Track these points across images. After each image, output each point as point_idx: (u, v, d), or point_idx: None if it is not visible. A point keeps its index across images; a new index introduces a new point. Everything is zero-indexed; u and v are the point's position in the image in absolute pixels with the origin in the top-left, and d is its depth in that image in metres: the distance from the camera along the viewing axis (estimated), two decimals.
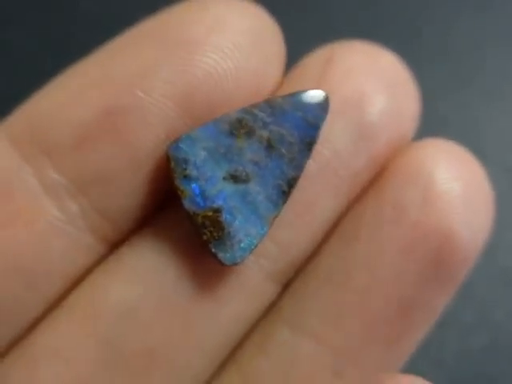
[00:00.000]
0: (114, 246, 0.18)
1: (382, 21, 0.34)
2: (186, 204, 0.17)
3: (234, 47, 0.17)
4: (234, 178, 0.17)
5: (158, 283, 0.18)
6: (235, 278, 0.18)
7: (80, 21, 0.33)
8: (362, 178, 0.19)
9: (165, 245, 0.18)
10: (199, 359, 0.18)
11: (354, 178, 0.19)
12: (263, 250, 0.18)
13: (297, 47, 0.20)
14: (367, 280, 0.18)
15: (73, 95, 0.17)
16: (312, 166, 0.18)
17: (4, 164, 0.17)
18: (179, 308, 0.18)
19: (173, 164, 0.17)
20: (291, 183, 0.18)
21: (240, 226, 0.17)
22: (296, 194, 0.18)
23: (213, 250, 0.17)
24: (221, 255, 0.17)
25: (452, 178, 0.18)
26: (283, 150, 0.18)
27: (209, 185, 0.17)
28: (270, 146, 0.18)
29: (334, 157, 0.18)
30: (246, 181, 0.17)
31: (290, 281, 0.19)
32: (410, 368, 0.20)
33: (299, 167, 0.18)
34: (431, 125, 0.21)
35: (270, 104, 0.18)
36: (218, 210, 0.17)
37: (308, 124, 0.18)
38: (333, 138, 0.18)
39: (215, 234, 0.17)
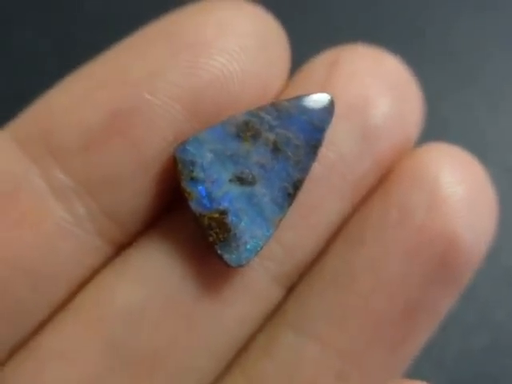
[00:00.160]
0: (121, 247, 0.18)
1: (383, 22, 0.34)
2: (193, 206, 0.17)
3: (240, 50, 0.18)
4: (241, 181, 0.17)
5: (163, 285, 0.18)
6: (240, 279, 0.18)
7: (81, 21, 0.33)
8: (367, 181, 0.19)
9: (171, 247, 0.18)
10: (204, 361, 0.18)
11: (358, 180, 0.19)
12: (268, 252, 0.18)
13: (300, 50, 0.20)
14: (372, 283, 0.18)
15: (80, 97, 0.17)
16: (317, 168, 0.18)
17: (12, 166, 0.17)
18: (185, 309, 0.18)
19: (180, 166, 0.17)
20: (297, 185, 0.18)
21: (246, 227, 0.17)
22: (301, 196, 0.18)
23: (219, 251, 0.17)
24: (226, 257, 0.17)
25: (456, 181, 0.18)
26: (289, 153, 0.18)
27: (215, 187, 0.17)
28: (276, 149, 0.18)
29: (339, 160, 0.18)
30: (252, 183, 0.17)
31: (295, 283, 0.19)
32: (411, 368, 0.20)
33: (305, 170, 0.18)
34: (431, 125, 0.21)
35: (276, 107, 0.18)
36: (224, 212, 0.17)
37: (313, 127, 0.18)
38: (338, 141, 0.18)
39: (221, 236, 0.17)
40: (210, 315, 0.18)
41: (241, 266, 0.17)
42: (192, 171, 0.17)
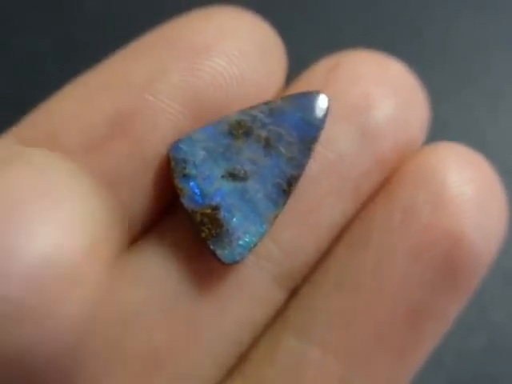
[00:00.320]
0: (124, 248, 0.18)
1: (382, 23, 0.34)
2: (185, 202, 0.17)
3: (239, 54, 0.18)
4: (233, 176, 0.17)
5: (161, 287, 0.18)
6: (239, 280, 0.18)
7: (81, 21, 0.33)
8: (369, 182, 0.19)
9: (169, 248, 0.18)
10: (204, 363, 0.18)
11: (359, 181, 0.18)
12: (266, 252, 0.18)
13: (300, 54, 0.20)
14: (376, 288, 0.18)
15: (83, 101, 0.18)
16: (315, 168, 0.18)
17: None
18: (183, 311, 0.18)
19: (173, 164, 0.17)
20: (291, 182, 0.18)
21: (238, 223, 0.17)
22: (299, 196, 0.18)
23: (211, 247, 0.17)
24: (219, 252, 0.17)
25: (464, 181, 0.18)
26: (281, 149, 0.18)
27: (207, 183, 0.17)
28: (268, 145, 0.18)
29: (338, 160, 0.18)
30: (244, 179, 0.17)
31: (298, 287, 0.19)
32: None
33: (299, 166, 0.18)
34: (432, 126, 0.21)
35: (269, 106, 0.18)
36: (216, 208, 0.17)
37: (307, 124, 0.18)
38: (337, 140, 0.18)
39: (213, 231, 0.17)
40: (209, 317, 0.18)
41: (235, 262, 0.17)
42: (184, 168, 0.17)
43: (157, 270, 0.18)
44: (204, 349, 0.18)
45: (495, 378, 0.30)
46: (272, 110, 0.18)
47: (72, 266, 0.16)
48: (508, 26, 0.35)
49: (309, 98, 0.18)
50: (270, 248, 0.18)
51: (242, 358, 0.19)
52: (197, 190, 0.17)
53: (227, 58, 0.18)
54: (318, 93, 0.18)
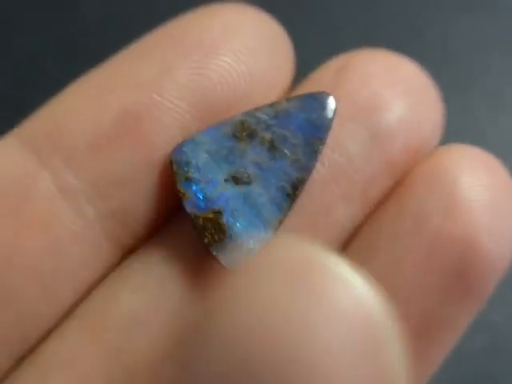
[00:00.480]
0: (129, 250, 0.18)
1: (382, 23, 0.34)
2: (188, 206, 0.17)
3: (247, 51, 0.18)
4: (236, 180, 0.17)
5: (164, 292, 0.17)
6: None
7: (81, 22, 0.33)
8: (379, 185, 0.18)
9: (174, 253, 0.18)
10: None
11: (368, 184, 0.18)
12: None
13: (303, 55, 0.20)
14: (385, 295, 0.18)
15: (89, 100, 0.17)
16: (322, 170, 0.18)
17: (20, 169, 0.17)
18: (188, 316, 0.18)
19: (175, 167, 0.17)
20: (296, 185, 0.17)
21: (242, 228, 0.17)
22: (305, 200, 0.18)
23: (214, 252, 0.17)
24: (222, 258, 0.17)
25: (477, 184, 0.17)
26: (286, 152, 0.17)
27: (210, 187, 0.17)
28: (272, 148, 0.17)
29: (347, 162, 0.18)
30: (247, 182, 0.17)
31: None
32: None
33: (305, 169, 0.17)
34: None
35: (273, 107, 0.18)
36: (218, 212, 0.17)
37: (313, 125, 0.17)
38: (345, 142, 0.18)
39: (216, 237, 0.17)
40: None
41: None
42: (187, 172, 0.17)
43: (160, 276, 0.17)
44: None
45: (496, 378, 0.29)
46: (277, 111, 0.17)
47: None
48: (508, 27, 0.35)
49: (315, 98, 0.18)
50: None
51: None
52: (199, 195, 0.17)
53: (234, 56, 0.17)
54: (324, 93, 0.18)
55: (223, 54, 0.17)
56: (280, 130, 0.17)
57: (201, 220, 0.17)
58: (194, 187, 0.17)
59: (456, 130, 0.21)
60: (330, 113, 0.18)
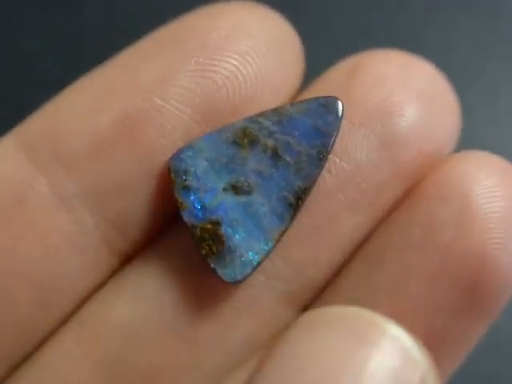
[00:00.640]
0: (126, 258, 0.18)
1: (382, 23, 0.34)
2: (185, 216, 0.16)
3: (253, 53, 0.17)
4: (235, 189, 0.16)
5: (159, 303, 0.17)
6: (243, 299, 0.17)
7: (82, 22, 0.33)
8: (388, 195, 0.17)
9: (171, 264, 0.17)
10: (204, 382, 0.17)
11: (377, 193, 0.17)
12: (274, 270, 0.17)
13: (313, 56, 0.19)
14: (391, 309, 0.16)
15: (89, 102, 0.17)
16: (328, 179, 0.17)
17: (17, 175, 0.17)
18: (183, 329, 0.17)
19: (173, 175, 0.16)
20: (299, 195, 0.16)
21: (241, 240, 0.16)
22: (311, 209, 0.17)
23: (212, 265, 0.16)
24: (220, 271, 0.16)
25: (493, 196, 0.16)
26: (289, 160, 0.17)
27: (208, 196, 0.16)
28: (275, 155, 0.17)
29: (355, 170, 0.17)
30: (248, 192, 0.16)
31: (308, 306, 0.18)
32: None
33: (309, 178, 0.17)
34: None
35: (277, 112, 0.17)
36: (217, 223, 0.16)
37: (319, 132, 0.17)
38: (353, 150, 0.17)
39: (214, 248, 0.16)
40: (210, 336, 0.17)
41: (236, 281, 0.16)
42: (185, 180, 0.16)
43: (156, 288, 0.17)
44: (205, 368, 0.17)
45: (496, 378, 0.29)
46: (281, 117, 0.17)
47: None
48: (507, 28, 0.34)
49: (322, 104, 0.17)
50: (279, 266, 0.17)
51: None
52: (197, 204, 0.16)
53: (241, 58, 0.17)
54: (332, 98, 0.17)
55: (229, 56, 0.17)
56: (283, 136, 0.17)
57: (198, 230, 0.16)
58: (192, 196, 0.16)
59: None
60: (337, 119, 0.17)
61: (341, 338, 0.13)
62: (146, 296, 0.17)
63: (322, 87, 0.18)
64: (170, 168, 0.16)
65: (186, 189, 0.16)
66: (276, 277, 0.17)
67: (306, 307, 0.18)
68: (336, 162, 0.17)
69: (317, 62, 0.19)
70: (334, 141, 0.17)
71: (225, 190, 0.16)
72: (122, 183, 0.17)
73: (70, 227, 0.17)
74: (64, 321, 0.17)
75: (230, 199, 0.16)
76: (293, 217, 0.17)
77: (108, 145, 0.17)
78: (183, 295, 0.17)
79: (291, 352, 0.13)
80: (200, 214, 0.16)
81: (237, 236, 0.16)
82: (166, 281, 0.17)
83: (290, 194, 0.16)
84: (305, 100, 0.17)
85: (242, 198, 0.16)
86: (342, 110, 0.17)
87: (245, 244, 0.16)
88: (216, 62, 0.17)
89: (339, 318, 0.14)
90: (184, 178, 0.16)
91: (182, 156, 0.16)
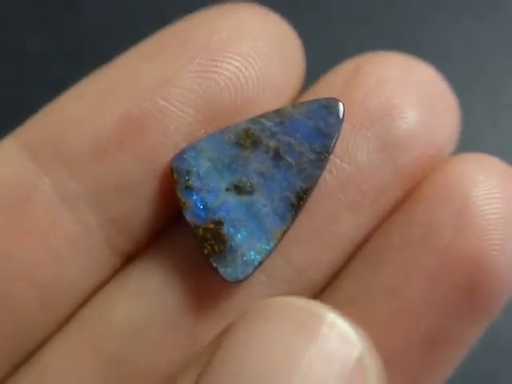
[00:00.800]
0: (129, 258, 0.18)
1: (383, 23, 0.34)
2: (188, 216, 0.17)
3: (255, 54, 0.17)
4: (238, 189, 0.17)
5: (162, 302, 0.17)
6: (244, 298, 0.17)
7: (82, 22, 0.33)
8: (389, 196, 0.17)
9: (173, 263, 0.17)
10: None
11: (378, 194, 0.17)
12: (275, 269, 0.17)
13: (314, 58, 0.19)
14: (391, 309, 0.17)
15: (92, 103, 0.17)
16: (329, 180, 0.17)
17: (21, 175, 0.17)
18: (185, 327, 0.17)
19: (176, 175, 0.17)
20: (300, 195, 0.17)
21: (243, 239, 0.16)
22: (312, 210, 0.17)
23: (214, 264, 0.16)
24: (222, 270, 0.16)
25: (492, 197, 0.16)
26: (291, 160, 0.17)
27: (211, 196, 0.17)
28: (276, 156, 0.17)
29: (356, 171, 0.17)
30: (250, 192, 0.17)
31: None
32: None
33: (310, 178, 0.17)
34: None
35: (279, 113, 0.17)
36: (219, 223, 0.16)
37: (320, 133, 0.17)
38: (354, 150, 0.17)
39: (216, 248, 0.16)
40: (213, 334, 0.17)
41: (238, 280, 0.16)
42: (187, 180, 0.17)
43: (158, 286, 0.17)
44: None
45: (495, 374, 0.29)
46: (282, 118, 0.17)
47: None
48: (507, 28, 0.34)
49: (323, 105, 0.17)
50: (280, 266, 0.17)
51: None
52: (200, 204, 0.16)
53: (243, 59, 0.17)
54: (333, 100, 0.17)
55: (231, 57, 0.17)
56: (285, 137, 0.17)
57: (201, 230, 0.17)
58: (195, 196, 0.17)
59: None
60: (338, 120, 0.17)
61: (279, 328, 0.14)
62: (148, 295, 0.17)
63: (324, 88, 0.18)
64: (172, 168, 0.17)
65: (189, 189, 0.17)
66: (277, 276, 0.17)
67: None
68: (337, 163, 0.17)
69: (318, 64, 0.19)
70: (335, 142, 0.17)
71: (227, 190, 0.17)
72: (124, 183, 0.17)
73: (74, 227, 0.17)
74: (66, 320, 0.18)
75: (232, 199, 0.17)
76: (294, 217, 0.17)
77: (111, 145, 0.17)
78: (185, 294, 0.17)
79: (233, 347, 0.14)
80: (202, 214, 0.16)
81: (239, 236, 0.16)
82: (169, 280, 0.17)
83: (292, 195, 0.17)
84: (306, 101, 0.17)
85: (245, 198, 0.17)
86: (343, 111, 0.17)
87: (247, 244, 0.16)
88: (218, 64, 0.17)
89: (278, 309, 0.14)
90: (187, 178, 0.17)
91: (184, 156, 0.17)
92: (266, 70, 0.17)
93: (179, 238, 0.18)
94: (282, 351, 0.13)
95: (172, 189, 0.17)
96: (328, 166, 0.17)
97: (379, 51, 0.19)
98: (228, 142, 0.17)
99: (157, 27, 0.18)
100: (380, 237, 0.17)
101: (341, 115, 0.17)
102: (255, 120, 0.17)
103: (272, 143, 0.17)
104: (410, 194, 0.17)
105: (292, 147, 0.17)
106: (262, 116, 0.17)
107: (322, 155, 0.17)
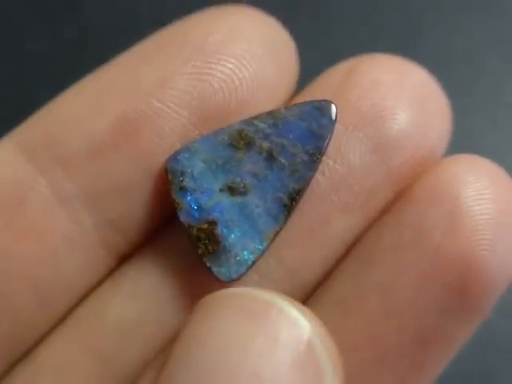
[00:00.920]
0: (124, 258, 0.18)
1: (383, 24, 0.34)
2: (182, 216, 0.17)
3: (249, 56, 0.17)
4: (231, 190, 0.17)
5: (156, 301, 0.17)
6: None
7: (83, 22, 0.33)
8: (380, 197, 0.18)
9: (168, 263, 0.18)
10: None
11: (369, 196, 0.17)
12: (268, 269, 0.17)
13: (308, 59, 0.19)
14: (381, 308, 0.17)
15: (88, 104, 0.17)
16: (323, 181, 0.17)
17: (17, 176, 0.17)
18: (179, 326, 0.17)
19: (170, 176, 0.17)
20: (293, 196, 0.17)
21: (236, 239, 0.17)
22: (304, 211, 0.17)
23: (207, 264, 0.17)
24: (215, 270, 0.17)
25: (482, 199, 0.17)
26: (284, 162, 0.17)
27: (205, 197, 0.17)
28: (270, 157, 0.17)
29: (348, 173, 0.17)
30: (243, 193, 0.17)
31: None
32: None
33: (303, 179, 0.17)
34: None
35: (272, 115, 0.17)
36: (213, 223, 0.17)
37: (313, 134, 0.17)
38: (346, 151, 0.17)
39: (210, 248, 0.17)
40: None
41: (231, 280, 0.17)
42: (182, 181, 0.17)
43: (152, 286, 0.17)
44: None
45: (493, 375, 0.29)
46: (276, 119, 0.17)
47: None
48: (507, 28, 0.34)
49: (316, 107, 0.17)
50: (272, 266, 0.17)
51: None
52: (194, 205, 0.17)
53: (237, 61, 0.17)
54: (326, 102, 0.17)
55: (225, 60, 0.17)
56: (278, 139, 0.17)
57: (195, 230, 0.17)
58: (189, 197, 0.17)
59: (455, 131, 0.20)
60: (331, 122, 0.17)
61: (229, 318, 0.14)
62: (143, 294, 0.17)
63: (317, 90, 0.18)
64: (167, 169, 0.17)
65: (183, 189, 0.17)
66: (269, 276, 0.17)
67: None
68: (329, 165, 0.17)
69: (312, 65, 0.19)
70: (328, 143, 0.17)
71: (221, 190, 0.17)
72: (120, 184, 0.17)
73: (69, 227, 0.17)
74: (62, 319, 0.18)
75: (225, 200, 0.17)
76: (287, 217, 0.17)
77: (106, 146, 0.17)
78: (180, 293, 0.17)
79: (187, 343, 0.14)
80: (196, 214, 0.17)
81: (232, 236, 0.17)
82: (163, 279, 0.17)
83: (285, 196, 0.17)
84: (299, 103, 0.17)
85: (238, 199, 0.17)
86: (336, 113, 0.17)
87: (240, 244, 0.17)
88: (212, 66, 0.17)
89: (228, 300, 0.15)
90: (181, 178, 0.17)
91: (179, 157, 0.17)
92: (260, 72, 0.17)
93: (174, 238, 0.18)
94: (234, 339, 0.14)
95: (167, 189, 0.17)
96: (320, 167, 0.17)
97: (375, 53, 0.19)
98: (222, 143, 0.17)
99: (156, 27, 0.18)
100: (371, 238, 0.18)
101: (333, 117, 0.17)
102: (249, 121, 0.17)
103: (265, 144, 0.17)
104: (401, 196, 0.18)
105: (285, 148, 0.17)
106: (256, 117, 0.17)
107: (315, 156, 0.17)
